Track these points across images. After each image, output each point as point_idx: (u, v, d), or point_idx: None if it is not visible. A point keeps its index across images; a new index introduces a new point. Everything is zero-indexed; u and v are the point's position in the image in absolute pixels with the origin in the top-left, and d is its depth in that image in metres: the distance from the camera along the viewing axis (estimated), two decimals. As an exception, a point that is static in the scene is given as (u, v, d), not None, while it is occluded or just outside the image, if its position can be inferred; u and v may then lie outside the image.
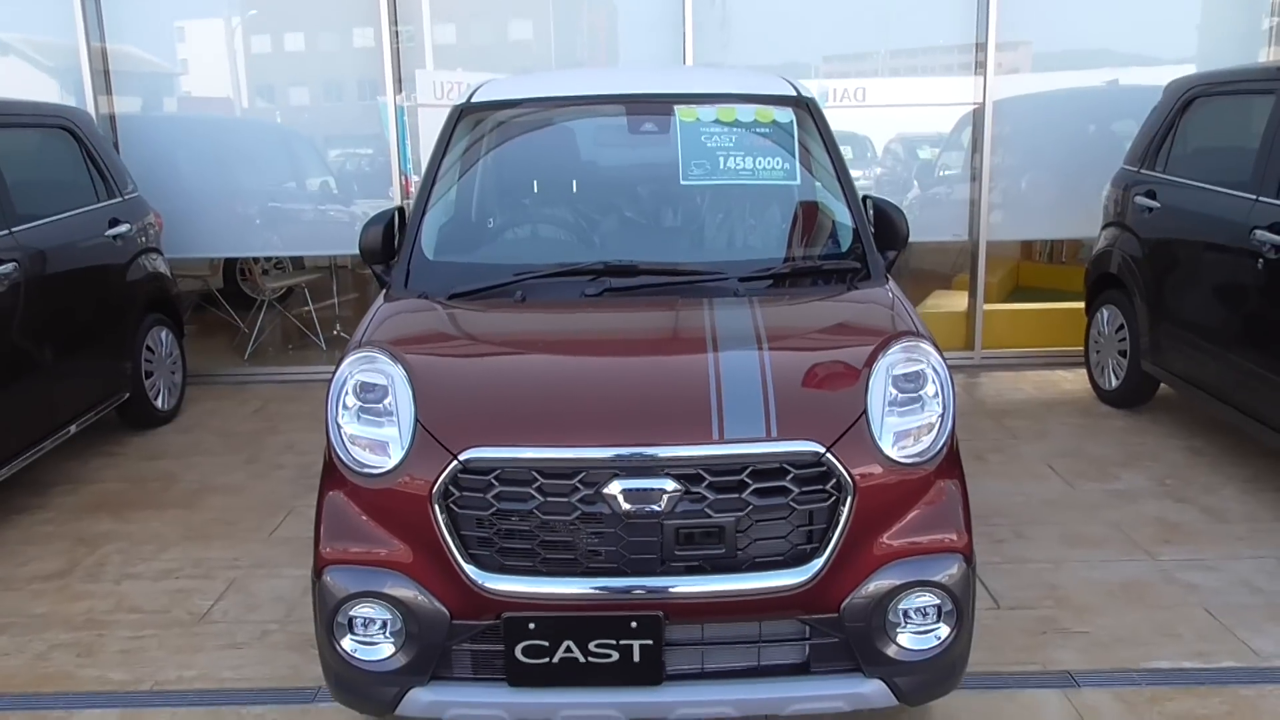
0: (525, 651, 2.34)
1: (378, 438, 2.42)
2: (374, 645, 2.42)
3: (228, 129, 6.97)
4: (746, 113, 3.41)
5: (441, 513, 2.33)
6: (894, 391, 2.47)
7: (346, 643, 2.43)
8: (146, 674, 3.18)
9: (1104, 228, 5.70)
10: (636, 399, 2.43)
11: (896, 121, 6.75)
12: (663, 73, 3.78)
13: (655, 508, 2.28)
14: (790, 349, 2.65)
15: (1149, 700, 2.93)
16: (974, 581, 2.49)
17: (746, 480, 2.31)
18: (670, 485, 2.28)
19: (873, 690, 2.42)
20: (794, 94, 3.55)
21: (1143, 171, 5.39)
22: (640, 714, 2.43)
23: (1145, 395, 5.48)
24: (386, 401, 2.46)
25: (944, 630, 2.42)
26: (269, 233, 6.89)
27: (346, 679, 2.48)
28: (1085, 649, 3.20)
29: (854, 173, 6.80)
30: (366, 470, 2.41)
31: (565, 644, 2.33)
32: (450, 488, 2.33)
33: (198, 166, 6.61)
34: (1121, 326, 5.44)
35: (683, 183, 3.32)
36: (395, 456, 2.39)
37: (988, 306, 6.74)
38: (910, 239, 3.25)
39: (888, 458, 2.38)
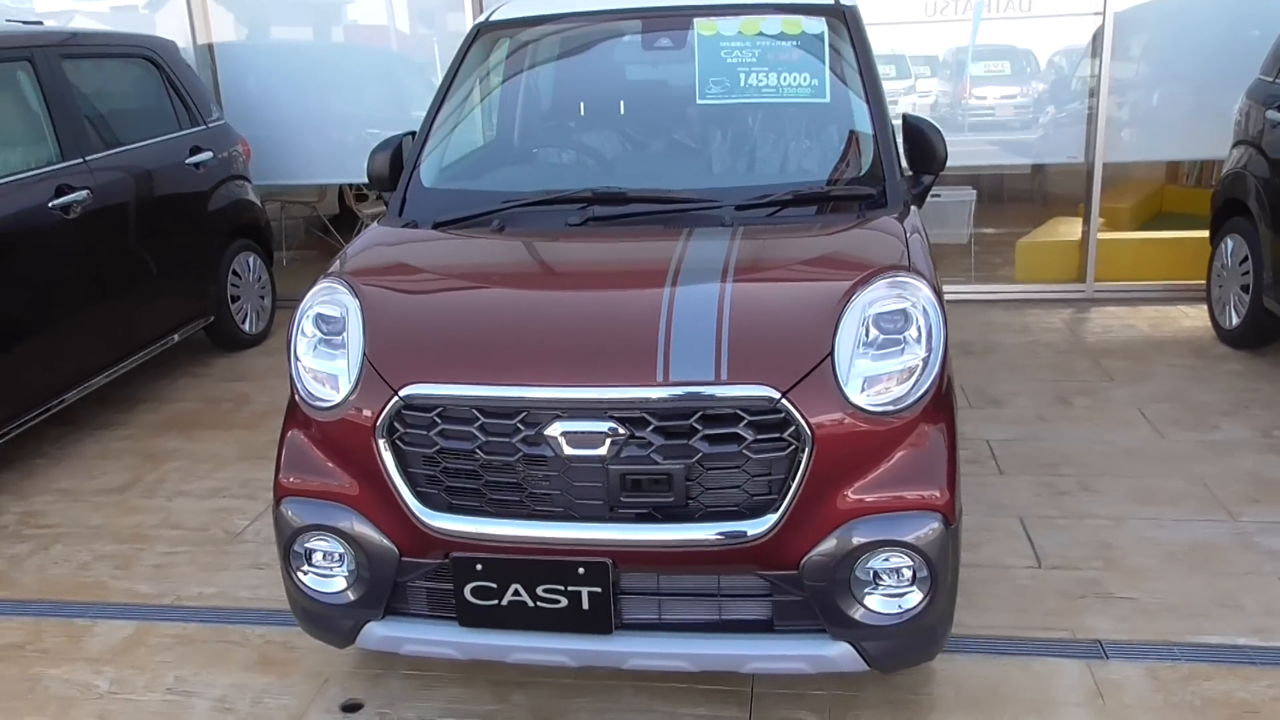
0: (474, 592, 2.29)
1: (329, 371, 2.38)
2: (328, 578, 2.42)
3: (322, 55, 7.04)
4: (772, 24, 3.15)
5: (387, 449, 2.28)
6: (874, 332, 2.24)
7: (302, 574, 2.44)
8: (170, 589, 3.31)
9: (1233, 146, 5.08)
10: (582, 336, 2.28)
11: (1005, 34, 6.17)
12: None
13: (598, 451, 2.16)
14: (758, 283, 2.42)
15: (1183, 678, 2.63)
16: (955, 543, 2.26)
17: (696, 426, 2.15)
18: (613, 429, 2.15)
19: (838, 654, 2.25)
20: (830, 2, 3.25)
21: (1278, 82, 4.75)
22: (591, 662, 2.36)
23: (1268, 336, 4.91)
24: (342, 334, 2.41)
25: (915, 595, 2.22)
26: (363, 159, 6.94)
27: (307, 610, 2.50)
28: (1126, 617, 2.91)
29: (932, 87, 6.35)
30: (317, 403, 2.38)
31: (513, 587, 2.26)
32: (394, 424, 2.27)
33: (293, 93, 6.71)
34: (1246, 258, 4.88)
35: (699, 102, 3.10)
36: (343, 390, 2.34)
37: (1105, 235, 6.15)
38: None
39: (854, 405, 2.17)
